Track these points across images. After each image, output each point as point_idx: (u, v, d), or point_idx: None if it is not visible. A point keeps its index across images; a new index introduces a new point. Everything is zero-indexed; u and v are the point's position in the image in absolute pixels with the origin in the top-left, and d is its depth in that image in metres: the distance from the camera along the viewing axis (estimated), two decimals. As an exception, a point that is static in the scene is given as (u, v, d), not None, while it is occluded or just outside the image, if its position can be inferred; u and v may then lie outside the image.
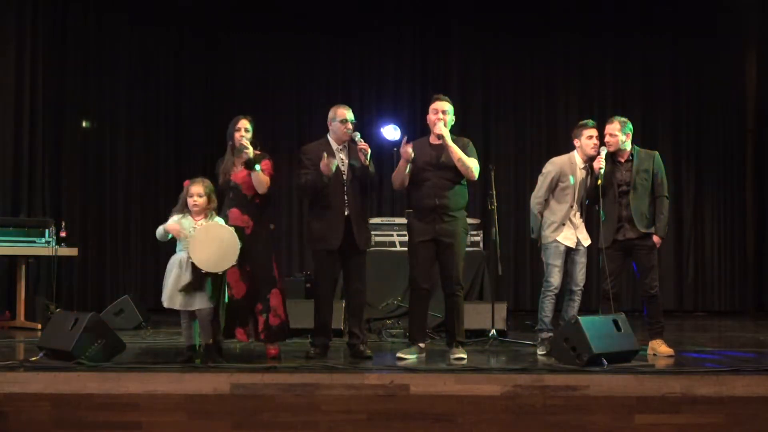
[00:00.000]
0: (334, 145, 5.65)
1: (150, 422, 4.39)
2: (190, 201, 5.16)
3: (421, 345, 5.60)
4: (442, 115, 5.55)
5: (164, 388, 4.45)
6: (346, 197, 5.56)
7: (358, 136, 5.57)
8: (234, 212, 5.45)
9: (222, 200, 5.51)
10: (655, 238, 5.79)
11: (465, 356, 5.39)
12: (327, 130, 5.72)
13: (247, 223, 5.42)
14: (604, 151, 5.81)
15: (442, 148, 5.54)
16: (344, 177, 5.58)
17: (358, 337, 5.64)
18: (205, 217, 5.19)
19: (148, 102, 10.20)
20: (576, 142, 6.00)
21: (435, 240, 5.53)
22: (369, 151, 5.53)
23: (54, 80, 9.04)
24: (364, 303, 5.78)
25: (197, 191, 5.16)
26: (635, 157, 5.85)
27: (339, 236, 5.52)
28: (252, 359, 5.40)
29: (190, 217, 5.18)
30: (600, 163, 5.75)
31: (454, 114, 5.66)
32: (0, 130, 8.49)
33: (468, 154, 5.54)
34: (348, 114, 5.64)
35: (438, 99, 5.65)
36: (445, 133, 5.49)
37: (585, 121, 6.06)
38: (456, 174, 5.53)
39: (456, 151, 5.48)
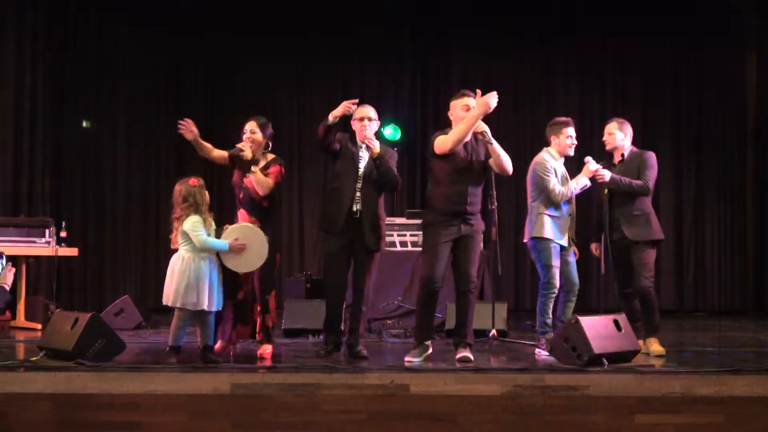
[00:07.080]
0: (358, 140, 5.69)
1: (150, 422, 4.39)
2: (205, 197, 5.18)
3: (427, 343, 5.48)
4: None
5: (164, 388, 4.44)
6: (358, 193, 5.56)
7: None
8: (242, 212, 5.52)
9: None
10: (604, 173, 5.70)
11: (472, 357, 5.25)
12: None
13: (254, 224, 5.43)
14: (593, 165, 5.78)
15: None
16: (360, 168, 5.59)
17: (356, 337, 5.63)
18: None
19: (149, 101, 10.20)
20: (553, 139, 5.92)
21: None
22: (373, 143, 5.55)
23: (54, 80, 9.04)
24: (363, 302, 5.70)
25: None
26: (625, 159, 5.79)
27: (343, 218, 5.52)
28: (252, 359, 5.39)
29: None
30: (600, 176, 5.72)
31: (454, 112, 5.55)
32: (0, 131, 8.49)
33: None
34: (359, 112, 5.64)
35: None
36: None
37: (565, 119, 5.96)
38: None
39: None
